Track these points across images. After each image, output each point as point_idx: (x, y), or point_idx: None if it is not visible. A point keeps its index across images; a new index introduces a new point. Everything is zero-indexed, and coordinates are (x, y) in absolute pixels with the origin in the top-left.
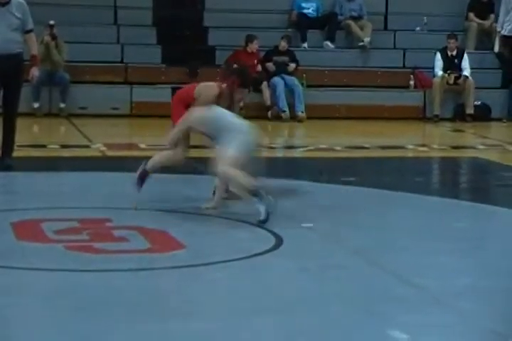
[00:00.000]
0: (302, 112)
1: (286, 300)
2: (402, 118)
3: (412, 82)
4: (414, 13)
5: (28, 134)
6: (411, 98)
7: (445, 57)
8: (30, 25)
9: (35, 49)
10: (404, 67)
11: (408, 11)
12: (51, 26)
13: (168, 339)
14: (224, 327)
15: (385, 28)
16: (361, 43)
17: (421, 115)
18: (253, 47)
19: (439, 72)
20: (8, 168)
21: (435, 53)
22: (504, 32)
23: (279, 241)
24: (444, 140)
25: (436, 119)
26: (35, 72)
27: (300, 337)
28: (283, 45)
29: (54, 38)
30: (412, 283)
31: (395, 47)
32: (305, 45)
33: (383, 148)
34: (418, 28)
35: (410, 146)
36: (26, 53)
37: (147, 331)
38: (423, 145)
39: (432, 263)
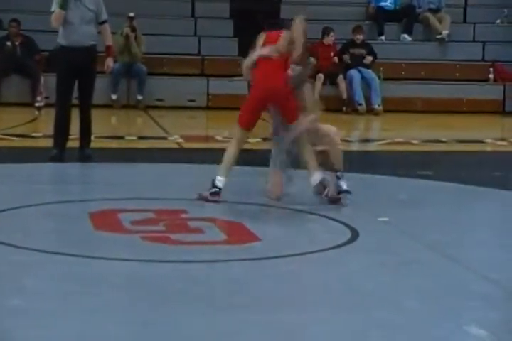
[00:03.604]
0: (379, 105)
1: (362, 294)
2: (481, 112)
3: (491, 76)
4: (494, 5)
5: (106, 125)
6: (490, 91)
7: None
8: (104, 17)
9: (110, 40)
10: (483, 60)
11: (488, 3)
12: (131, 18)
13: (243, 331)
14: (299, 320)
15: (464, 20)
16: (439, 36)
17: (500, 109)
18: (329, 39)
19: None
20: (86, 159)
21: None
22: None
23: (355, 235)
24: None
25: None
26: (110, 63)
27: (376, 331)
28: (357, 37)
29: (133, 30)
30: (489, 278)
31: (474, 40)
32: (382, 37)
33: (461, 141)
34: (498, 21)
35: (488, 140)
36: (101, 45)
37: (223, 322)
38: (502, 140)
39: (510, 258)
